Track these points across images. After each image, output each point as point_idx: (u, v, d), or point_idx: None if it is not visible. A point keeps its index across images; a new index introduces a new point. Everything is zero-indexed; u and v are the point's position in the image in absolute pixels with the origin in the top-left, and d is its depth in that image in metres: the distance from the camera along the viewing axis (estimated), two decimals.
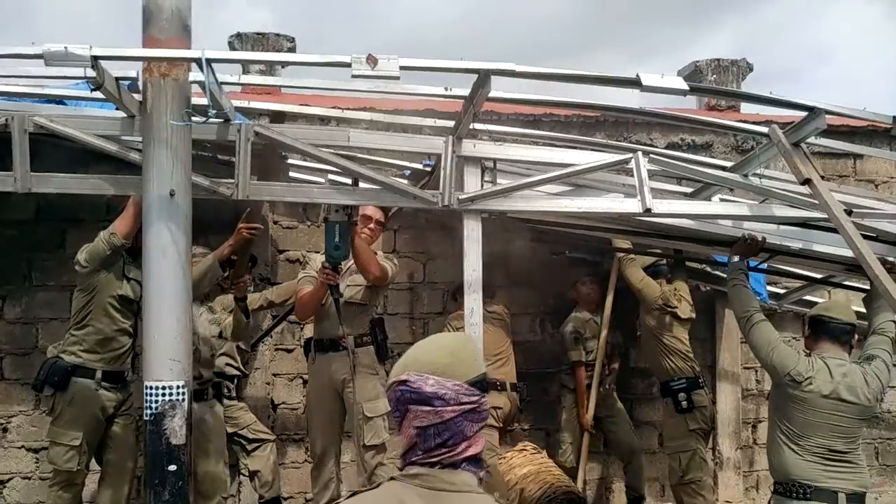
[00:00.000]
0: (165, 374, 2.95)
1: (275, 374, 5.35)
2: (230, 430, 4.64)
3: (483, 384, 1.47)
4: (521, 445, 5.02)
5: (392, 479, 1.49)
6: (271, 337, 5.30)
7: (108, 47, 2.71)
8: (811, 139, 3.52)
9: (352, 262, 4.06)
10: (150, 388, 2.96)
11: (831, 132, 5.44)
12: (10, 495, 5.15)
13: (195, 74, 3.02)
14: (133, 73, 3.11)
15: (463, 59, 2.96)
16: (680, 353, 4.79)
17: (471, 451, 1.45)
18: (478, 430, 1.46)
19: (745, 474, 5.91)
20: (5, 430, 5.16)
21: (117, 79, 3.01)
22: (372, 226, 4.22)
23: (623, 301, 5.24)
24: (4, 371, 5.16)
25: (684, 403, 4.69)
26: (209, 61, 2.75)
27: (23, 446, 5.16)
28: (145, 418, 3.00)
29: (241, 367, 4.92)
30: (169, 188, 2.91)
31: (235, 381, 4.84)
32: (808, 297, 5.51)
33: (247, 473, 4.94)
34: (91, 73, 2.71)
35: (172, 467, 2.98)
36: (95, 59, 2.67)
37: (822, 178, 3.38)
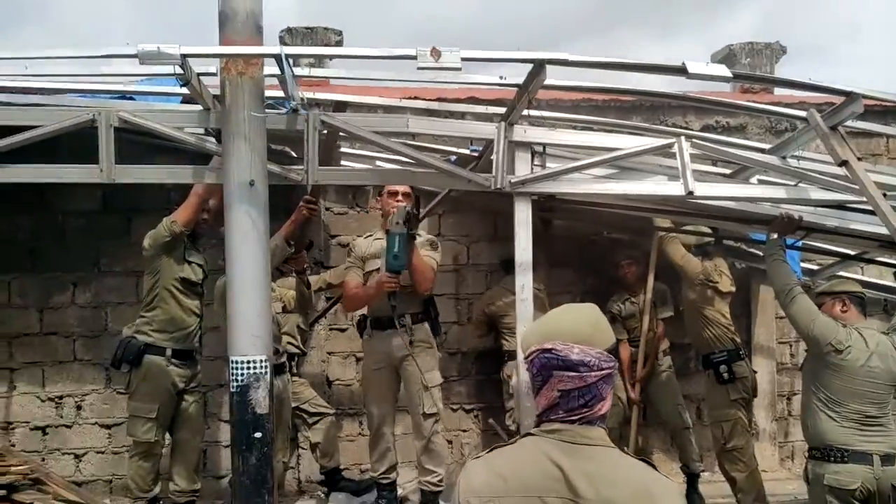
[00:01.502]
0: (249, 350, 3.19)
1: (329, 353, 5.60)
2: (293, 404, 4.87)
3: (616, 351, 1.64)
4: None
5: (529, 434, 1.63)
6: (326, 318, 5.54)
7: (194, 46, 2.93)
8: (849, 122, 3.66)
9: None
10: (236, 362, 3.19)
11: (864, 111, 5.59)
12: (85, 468, 5.48)
13: (268, 69, 3.26)
14: (213, 70, 3.34)
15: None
16: (721, 325, 4.87)
17: (604, 410, 1.61)
18: (610, 390, 1.61)
19: (780, 445, 6.07)
20: (79, 407, 5.48)
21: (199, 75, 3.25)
22: (399, 198, 4.32)
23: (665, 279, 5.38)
24: (77, 352, 5.47)
25: (725, 375, 4.77)
26: (287, 56, 2.97)
27: (96, 423, 5.48)
28: (231, 390, 3.23)
29: (301, 345, 5.19)
30: (248, 177, 3.14)
31: (296, 358, 5.10)
32: (841, 273, 5.62)
33: (307, 446, 5.20)
34: (179, 70, 2.94)
35: (258, 434, 3.21)
36: (184, 57, 2.90)
37: (860, 159, 3.51)
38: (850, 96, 3.43)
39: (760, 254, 4.95)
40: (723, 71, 3.17)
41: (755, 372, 5.10)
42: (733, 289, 5.04)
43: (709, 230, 5.06)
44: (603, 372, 1.59)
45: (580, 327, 1.63)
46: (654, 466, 1.61)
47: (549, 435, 1.58)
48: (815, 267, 5.70)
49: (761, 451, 5.90)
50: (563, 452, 1.55)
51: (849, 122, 3.82)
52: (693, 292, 4.95)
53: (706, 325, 4.90)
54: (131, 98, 4.08)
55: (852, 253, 5.05)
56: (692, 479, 5.30)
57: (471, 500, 1.55)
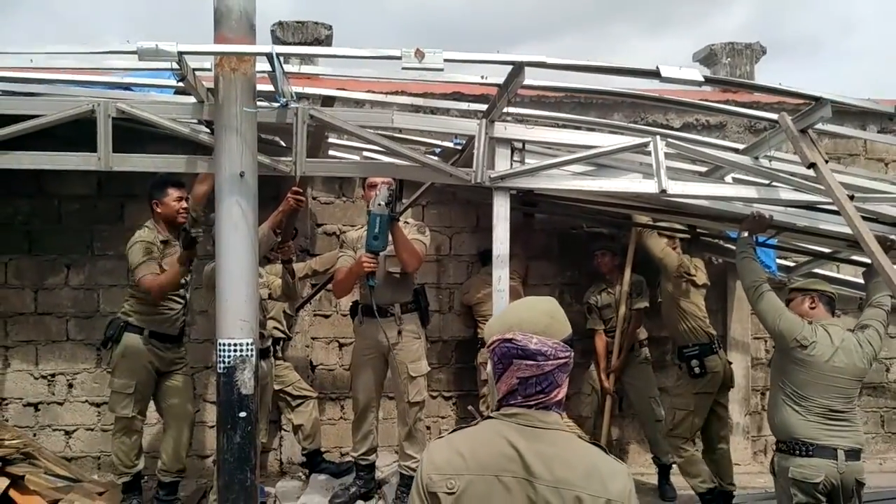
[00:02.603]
0: (236, 333, 3.32)
1: (313, 338, 5.75)
2: (276, 386, 5.01)
3: (571, 342, 1.74)
4: None
5: (489, 417, 1.72)
6: (311, 304, 5.69)
7: (190, 44, 3.07)
8: (818, 125, 3.80)
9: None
10: (223, 344, 3.32)
11: (843, 112, 5.73)
12: (75, 445, 5.64)
13: (260, 65, 3.39)
14: (207, 65, 3.47)
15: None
16: (697, 318, 4.97)
17: (560, 396, 1.71)
18: (566, 378, 1.72)
19: (753, 439, 6.21)
20: (71, 385, 5.64)
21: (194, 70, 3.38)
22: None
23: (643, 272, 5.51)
24: (70, 332, 5.63)
25: (697, 370, 4.87)
26: (278, 55, 3.11)
27: (86, 401, 5.65)
28: (218, 371, 3.36)
29: (286, 330, 5.33)
30: (239, 169, 3.28)
31: (281, 342, 5.24)
32: (816, 270, 5.76)
33: (289, 428, 5.36)
34: (176, 66, 3.08)
35: (243, 414, 3.34)
36: (181, 54, 3.04)
37: (827, 161, 3.65)
38: (819, 101, 3.57)
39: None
40: (695, 75, 3.31)
41: (730, 363, 5.20)
42: (707, 283, 5.18)
43: (684, 227, 5.20)
44: (559, 361, 1.69)
45: (538, 318, 1.72)
46: (605, 450, 1.72)
47: (507, 418, 1.68)
48: (791, 264, 5.84)
49: (734, 445, 5.96)
50: (520, 435, 1.65)
51: (822, 127, 3.97)
52: (671, 285, 5.05)
53: (682, 318, 4.99)
54: (128, 89, 4.22)
55: (826, 251, 5.20)
56: (664, 471, 5.42)
57: (432, 475, 1.65)
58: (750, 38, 6.73)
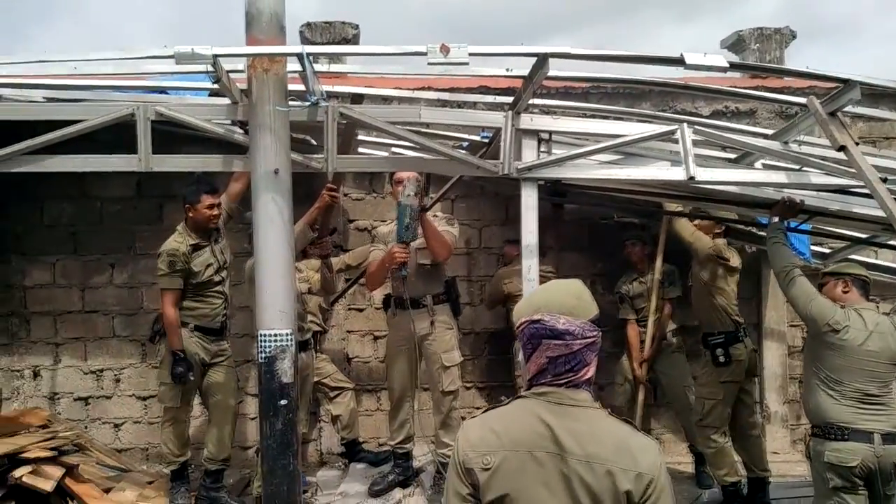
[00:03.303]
0: (276, 324, 3.46)
1: (349, 331, 5.87)
2: (315, 378, 5.14)
3: (598, 322, 1.80)
4: None
5: (520, 397, 1.79)
6: (345, 297, 5.81)
7: (224, 46, 3.19)
8: (848, 107, 3.77)
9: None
10: (263, 335, 3.47)
11: (878, 95, 5.67)
12: (123, 437, 5.85)
13: (290, 66, 3.50)
14: (241, 67, 3.59)
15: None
16: (727, 304, 4.90)
17: (589, 375, 1.76)
18: (594, 357, 1.77)
19: (791, 427, 6.14)
20: (118, 380, 5.85)
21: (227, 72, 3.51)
22: (405, 184, 4.45)
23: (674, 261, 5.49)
24: (115, 329, 5.84)
25: (721, 358, 4.82)
26: (308, 55, 3.22)
27: (133, 394, 5.85)
28: (258, 361, 3.51)
29: (322, 323, 5.46)
30: (273, 167, 3.40)
31: (318, 336, 5.37)
32: (853, 256, 5.65)
33: (328, 419, 5.49)
34: (211, 68, 3.20)
35: (283, 402, 3.49)
36: (216, 56, 3.16)
37: (858, 144, 3.61)
38: (848, 83, 3.55)
39: None
40: (720, 61, 3.32)
41: (755, 350, 5.15)
42: (740, 266, 5.09)
43: (722, 216, 5.10)
44: (587, 340, 1.74)
45: (565, 299, 1.77)
46: (635, 427, 1.77)
47: (538, 397, 1.74)
48: (827, 251, 5.78)
49: (772, 433, 6.01)
50: (551, 412, 1.71)
51: (852, 109, 3.93)
52: (705, 271, 4.96)
53: (712, 305, 4.93)
54: (164, 92, 4.38)
55: (863, 236, 5.13)
56: (700, 459, 5.39)
57: (468, 452, 1.73)
58: (784, 22, 6.69)
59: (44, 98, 4.22)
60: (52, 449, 4.44)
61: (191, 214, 4.60)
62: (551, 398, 1.74)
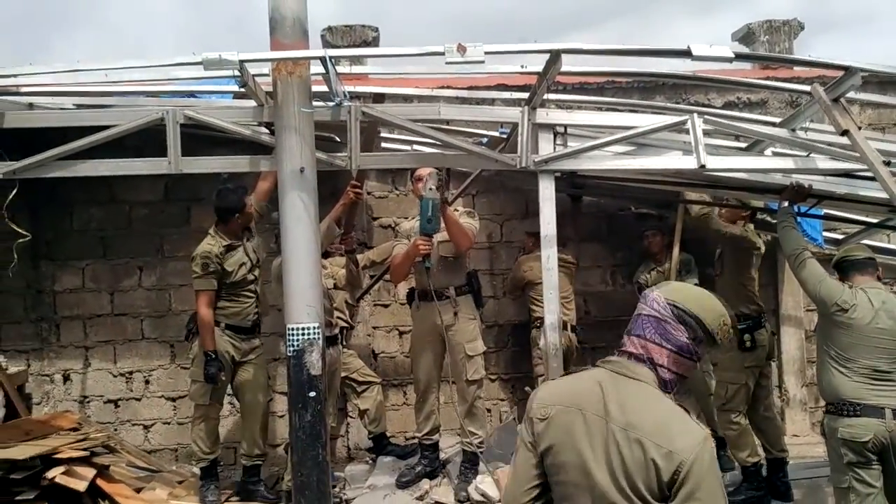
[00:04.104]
0: (304, 318, 3.58)
1: (374, 327, 5.99)
2: (343, 373, 5.26)
3: (686, 316, 1.86)
4: None
5: (596, 365, 1.93)
6: (371, 294, 5.93)
7: (250, 52, 3.33)
8: (851, 94, 3.87)
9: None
10: (292, 329, 3.58)
11: (883, 83, 5.75)
12: (153, 438, 5.99)
13: (313, 68, 3.64)
14: (266, 71, 3.73)
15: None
16: (753, 291, 5.00)
17: (657, 357, 1.84)
18: (665, 346, 1.84)
19: (810, 410, 6.21)
20: (147, 381, 5.99)
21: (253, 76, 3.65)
22: (426, 180, 4.52)
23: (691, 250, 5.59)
24: (145, 331, 5.99)
25: (748, 343, 4.85)
26: (331, 58, 3.35)
27: (162, 396, 5.99)
28: (287, 354, 3.62)
29: (349, 319, 5.59)
30: (299, 166, 3.53)
31: (344, 331, 5.49)
32: (866, 242, 5.75)
33: (356, 414, 5.61)
34: (238, 73, 3.34)
35: (312, 394, 3.59)
36: (242, 62, 3.30)
37: (860, 128, 3.72)
38: (849, 70, 3.66)
39: None
40: (725, 52, 3.43)
41: (774, 334, 5.22)
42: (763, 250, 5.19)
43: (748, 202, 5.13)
44: (654, 312, 1.86)
45: (675, 285, 1.98)
46: (688, 413, 1.81)
47: (605, 364, 1.89)
48: (840, 236, 5.85)
49: (791, 416, 6.09)
50: (610, 378, 1.84)
51: (854, 95, 4.03)
52: (733, 257, 5.04)
53: (740, 291, 4.98)
54: (192, 96, 4.53)
55: (874, 221, 5.22)
56: (720, 443, 5.45)
57: (534, 404, 1.90)
58: (800, 13, 6.78)
59: (74, 105, 4.38)
60: (83, 450, 4.57)
61: (240, 221, 4.77)
62: (614, 367, 1.87)
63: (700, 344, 1.86)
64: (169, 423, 5.99)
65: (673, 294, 1.89)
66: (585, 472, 1.77)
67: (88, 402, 6.00)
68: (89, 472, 4.44)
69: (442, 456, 5.18)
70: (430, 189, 4.20)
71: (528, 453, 1.89)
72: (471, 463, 4.81)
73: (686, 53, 3.38)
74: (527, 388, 5.95)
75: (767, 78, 5.54)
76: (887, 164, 3.65)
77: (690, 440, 1.70)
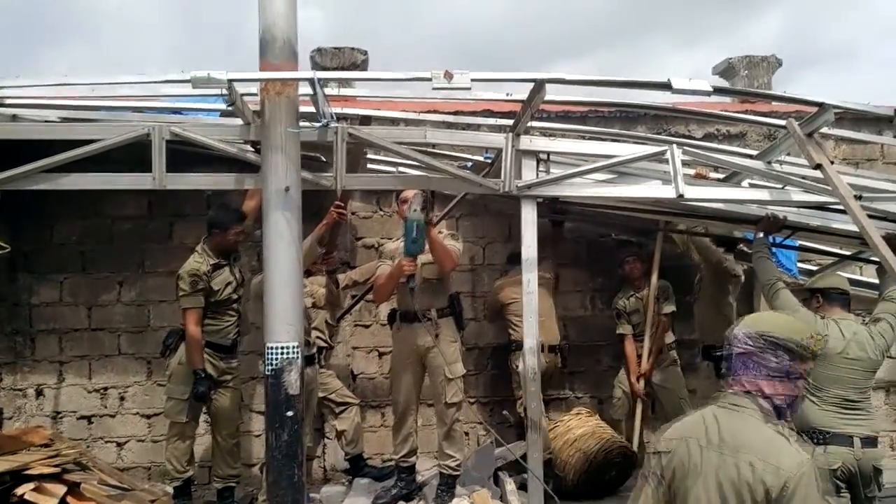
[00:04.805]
0: (283, 336, 3.58)
1: (354, 348, 5.99)
2: (320, 394, 5.23)
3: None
4: (575, 410, 5.53)
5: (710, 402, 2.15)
6: (351, 314, 5.94)
7: (239, 72, 3.37)
8: (824, 129, 3.99)
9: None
10: (271, 347, 3.57)
11: (858, 119, 5.90)
12: (126, 456, 5.91)
13: (302, 89, 3.68)
14: (253, 90, 3.77)
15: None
16: (732, 318, 5.01)
17: (747, 387, 2.04)
18: (750, 369, 2.05)
19: None
20: (122, 398, 5.93)
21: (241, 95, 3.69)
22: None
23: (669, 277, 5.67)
24: (122, 346, 5.93)
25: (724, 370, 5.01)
26: (319, 80, 3.40)
27: (137, 413, 5.93)
28: (266, 373, 3.60)
29: (329, 339, 5.58)
30: (284, 185, 3.55)
31: (324, 352, 5.47)
32: (838, 273, 5.86)
33: (333, 435, 5.58)
34: (226, 92, 3.38)
35: (290, 413, 3.57)
36: (230, 81, 3.34)
37: (833, 163, 3.83)
38: (822, 107, 3.78)
39: None
40: (704, 86, 3.53)
41: None
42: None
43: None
44: (737, 348, 2.07)
45: (760, 315, 2.28)
46: (788, 440, 1.97)
47: (713, 401, 2.12)
48: (814, 267, 5.95)
49: None
50: (718, 411, 2.07)
51: (828, 131, 4.15)
52: (713, 285, 5.17)
53: (719, 318, 5.09)
54: (178, 112, 4.55)
55: (848, 253, 5.33)
56: None
57: (661, 439, 2.13)
58: (784, 48, 6.99)
59: (59, 118, 4.38)
60: (54, 466, 4.47)
61: (218, 239, 4.73)
62: (721, 402, 2.09)
63: (800, 361, 2.05)
64: (143, 441, 5.93)
65: (758, 326, 2.07)
66: (704, 496, 1.98)
67: (61, 417, 5.92)
68: (60, 490, 4.35)
69: (418, 478, 5.16)
70: (415, 210, 4.23)
71: (652, 486, 2.12)
72: (447, 486, 4.79)
73: (666, 86, 3.47)
74: (505, 412, 5.97)
75: (746, 111, 5.67)
76: (858, 198, 3.76)
77: (796, 459, 1.91)
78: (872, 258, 5.11)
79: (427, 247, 4.42)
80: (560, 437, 5.25)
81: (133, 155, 4.02)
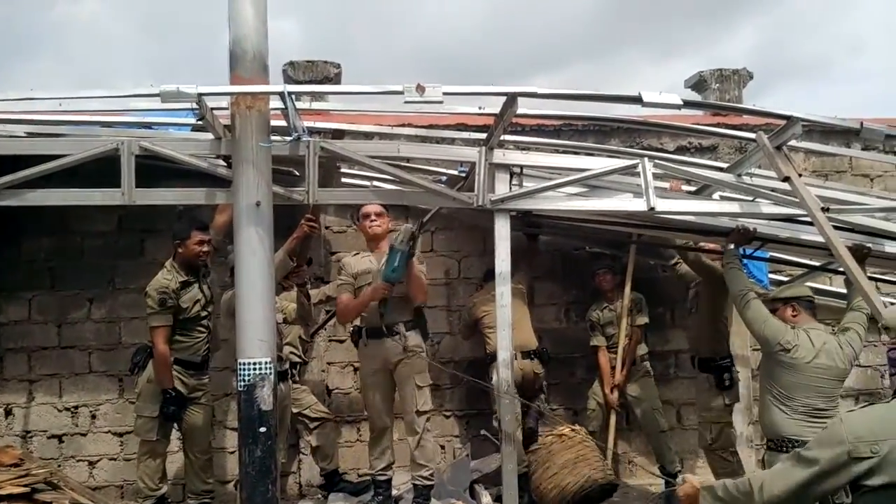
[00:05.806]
0: (255, 352, 3.57)
1: (329, 363, 5.94)
2: (295, 409, 5.19)
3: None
4: (558, 430, 5.18)
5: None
6: (325, 329, 5.90)
7: (209, 86, 3.35)
8: (793, 142, 4.06)
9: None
10: (243, 363, 3.57)
11: (827, 132, 6.00)
12: (98, 475, 5.81)
13: (273, 102, 3.67)
14: (224, 104, 3.75)
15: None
16: (728, 331, 5.16)
17: None
18: None
19: (757, 448, 6.25)
20: (94, 416, 5.83)
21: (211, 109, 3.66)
22: (372, 218, 4.67)
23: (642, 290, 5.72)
24: (92, 364, 5.84)
25: (727, 381, 4.98)
26: (290, 93, 3.39)
27: (109, 431, 5.83)
28: (238, 389, 3.60)
29: (302, 355, 5.54)
30: (255, 199, 3.54)
31: (298, 367, 5.42)
32: (809, 284, 5.96)
33: (308, 451, 5.53)
34: (196, 106, 3.36)
35: (263, 429, 3.57)
36: (200, 95, 3.32)
37: (800, 175, 3.90)
38: (791, 119, 3.84)
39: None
40: (674, 99, 3.57)
41: (737, 372, 5.33)
42: None
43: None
44: None
45: None
46: None
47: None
48: (785, 278, 6.02)
49: (739, 454, 6.21)
50: None
51: (796, 144, 4.22)
52: (710, 299, 5.09)
53: (716, 330, 5.11)
54: (148, 127, 4.51)
55: (818, 264, 5.41)
56: (670, 479, 5.55)
57: (857, 443, 1.96)
58: (758, 61, 7.07)
59: (25, 133, 4.33)
60: (24, 486, 4.41)
61: (180, 250, 4.64)
62: None
63: None
64: (115, 459, 5.82)
65: None
66: None
67: (31, 436, 5.80)
68: None
69: (395, 493, 5.14)
70: (402, 241, 4.25)
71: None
72: (423, 498, 4.78)
73: (637, 100, 3.51)
74: (483, 431, 5.94)
75: (718, 124, 5.73)
76: (825, 210, 3.83)
77: None
78: (840, 269, 5.24)
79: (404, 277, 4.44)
80: (540, 464, 5.05)
81: (103, 170, 3.98)
